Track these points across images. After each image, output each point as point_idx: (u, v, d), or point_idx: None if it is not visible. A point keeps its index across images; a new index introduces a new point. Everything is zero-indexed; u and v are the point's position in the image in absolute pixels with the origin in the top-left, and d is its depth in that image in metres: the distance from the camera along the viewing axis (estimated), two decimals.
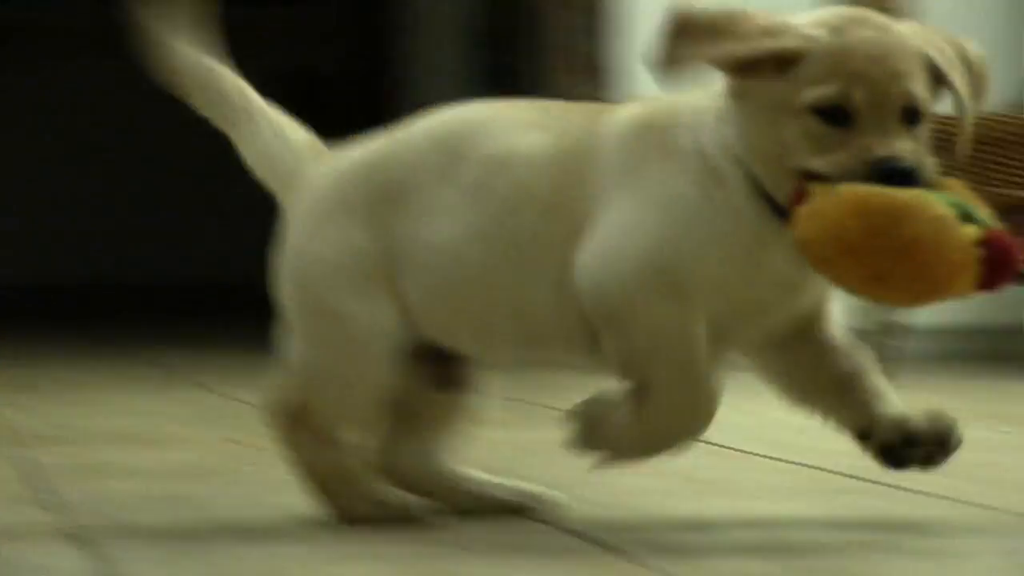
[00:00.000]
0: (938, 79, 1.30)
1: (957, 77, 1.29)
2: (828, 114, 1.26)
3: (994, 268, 1.20)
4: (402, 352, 1.45)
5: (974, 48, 1.33)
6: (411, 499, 1.48)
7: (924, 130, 1.29)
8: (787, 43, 1.26)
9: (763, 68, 1.26)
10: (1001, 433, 2.61)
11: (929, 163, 1.26)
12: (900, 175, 1.22)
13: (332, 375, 1.46)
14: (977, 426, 2.15)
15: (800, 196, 1.23)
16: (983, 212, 1.24)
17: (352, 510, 1.45)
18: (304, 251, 1.48)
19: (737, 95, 1.30)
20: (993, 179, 3.69)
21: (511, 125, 1.43)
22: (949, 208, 1.20)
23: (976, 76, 1.32)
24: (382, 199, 1.45)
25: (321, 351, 1.47)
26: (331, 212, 1.47)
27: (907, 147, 1.25)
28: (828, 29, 1.28)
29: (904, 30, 1.31)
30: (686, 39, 1.26)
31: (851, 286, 1.24)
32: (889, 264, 1.18)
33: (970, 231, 1.20)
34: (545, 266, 1.36)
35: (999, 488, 1.75)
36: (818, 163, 1.25)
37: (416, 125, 1.49)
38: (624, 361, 1.33)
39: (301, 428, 1.45)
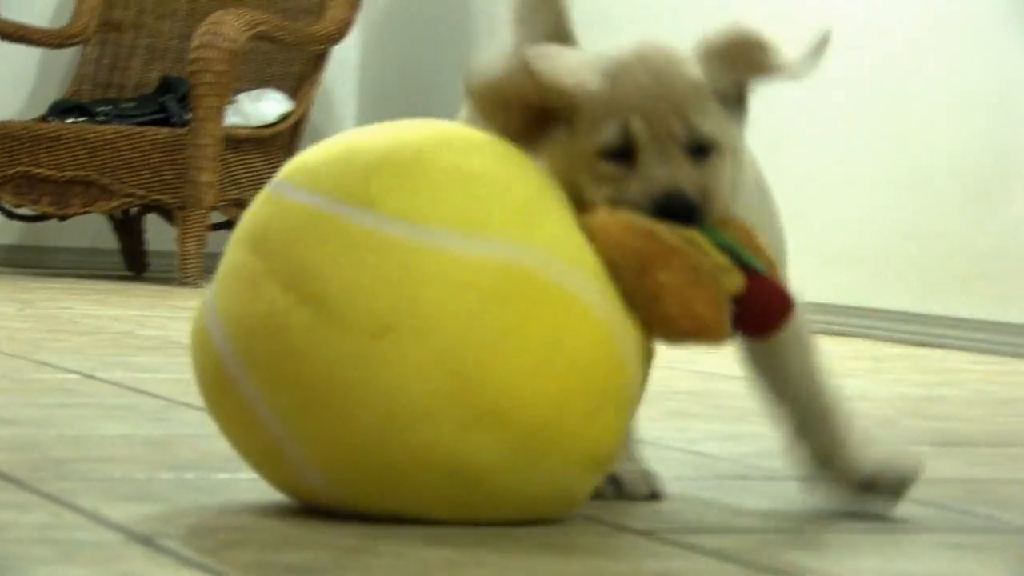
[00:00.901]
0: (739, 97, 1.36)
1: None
2: (614, 155, 1.33)
3: (750, 320, 1.26)
4: None
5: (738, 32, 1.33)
6: None
7: (716, 162, 1.32)
8: (554, 100, 1.33)
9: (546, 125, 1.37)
10: None
11: (718, 198, 1.31)
12: (678, 211, 1.28)
13: None
14: None
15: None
16: (759, 256, 1.29)
17: None
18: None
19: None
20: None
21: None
22: (717, 253, 1.27)
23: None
24: None
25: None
26: None
27: (690, 181, 1.32)
28: (603, 71, 1.34)
29: (685, 60, 1.35)
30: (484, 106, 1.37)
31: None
32: (640, 309, 1.24)
33: (732, 281, 1.25)
34: None
35: None
36: (609, 196, 1.32)
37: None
38: None
39: None
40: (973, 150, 4.13)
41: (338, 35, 5.45)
